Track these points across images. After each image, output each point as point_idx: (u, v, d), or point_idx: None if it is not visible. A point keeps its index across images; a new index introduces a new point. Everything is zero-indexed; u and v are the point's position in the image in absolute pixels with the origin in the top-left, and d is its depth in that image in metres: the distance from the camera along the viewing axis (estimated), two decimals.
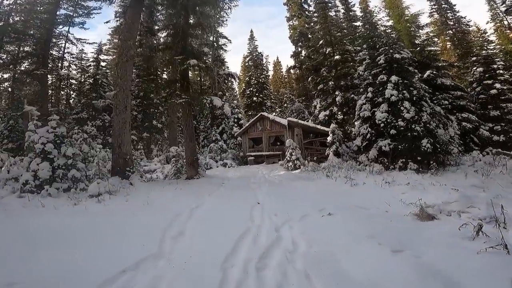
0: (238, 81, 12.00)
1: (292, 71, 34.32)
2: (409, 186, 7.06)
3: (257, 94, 33.95)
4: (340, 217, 4.79)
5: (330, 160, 12.39)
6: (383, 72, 11.18)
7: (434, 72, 15.67)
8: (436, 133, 10.24)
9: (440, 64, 16.64)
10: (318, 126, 14.66)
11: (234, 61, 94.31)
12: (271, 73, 44.02)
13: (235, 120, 25.78)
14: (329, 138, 13.10)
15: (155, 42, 11.51)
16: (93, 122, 21.89)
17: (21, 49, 22.67)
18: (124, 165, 8.56)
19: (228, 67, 35.28)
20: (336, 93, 16.90)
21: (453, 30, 27.77)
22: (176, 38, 10.84)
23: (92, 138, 19.71)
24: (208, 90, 26.77)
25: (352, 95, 16.46)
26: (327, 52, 19.91)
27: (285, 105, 38.84)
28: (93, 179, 8.23)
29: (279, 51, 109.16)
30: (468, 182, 7.01)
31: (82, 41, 25.08)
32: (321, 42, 21.66)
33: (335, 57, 18.45)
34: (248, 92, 34.82)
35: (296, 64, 31.53)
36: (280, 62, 48.51)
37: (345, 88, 17.06)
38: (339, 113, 16.42)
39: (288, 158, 13.01)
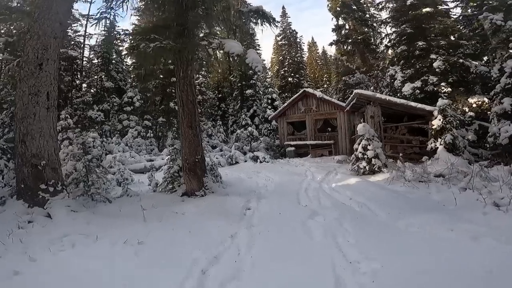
0: (273, 24, 7.09)
1: (334, 47, 28.20)
2: None
3: (292, 74, 28.82)
4: None
5: (442, 160, 6.81)
6: None
7: None
8: None
9: None
10: (411, 103, 8.80)
11: (265, 45, 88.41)
12: (305, 54, 38.14)
13: (269, 101, 21.10)
14: (435, 122, 7.43)
15: None
16: (100, 105, 18.37)
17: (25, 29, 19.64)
18: (36, 179, 4.01)
19: (258, 45, 30.16)
20: (432, 56, 10.87)
21: None
22: None
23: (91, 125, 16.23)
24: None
25: (461, 60, 10.37)
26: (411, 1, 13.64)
27: (325, 85, 33.08)
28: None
29: (313, 34, 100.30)
30: None
31: (87, 16, 21.25)
32: None
33: (425, 9, 12.36)
34: (282, 72, 29.90)
35: (340, 39, 25.61)
36: (315, 42, 42.21)
37: (446, 50, 11.06)
38: (441, 84, 10.40)
39: (361, 155, 7.63)
